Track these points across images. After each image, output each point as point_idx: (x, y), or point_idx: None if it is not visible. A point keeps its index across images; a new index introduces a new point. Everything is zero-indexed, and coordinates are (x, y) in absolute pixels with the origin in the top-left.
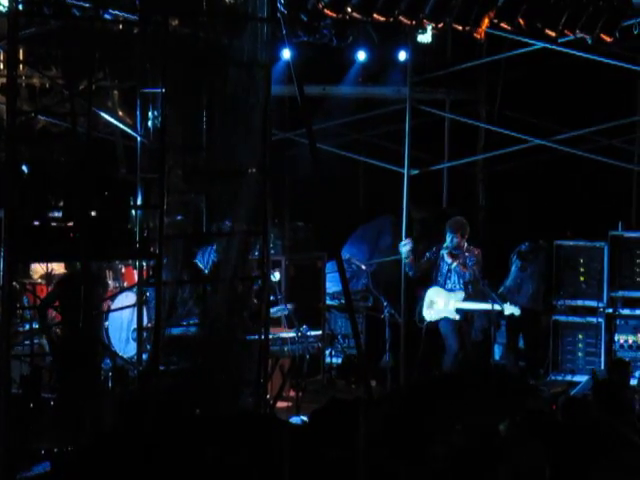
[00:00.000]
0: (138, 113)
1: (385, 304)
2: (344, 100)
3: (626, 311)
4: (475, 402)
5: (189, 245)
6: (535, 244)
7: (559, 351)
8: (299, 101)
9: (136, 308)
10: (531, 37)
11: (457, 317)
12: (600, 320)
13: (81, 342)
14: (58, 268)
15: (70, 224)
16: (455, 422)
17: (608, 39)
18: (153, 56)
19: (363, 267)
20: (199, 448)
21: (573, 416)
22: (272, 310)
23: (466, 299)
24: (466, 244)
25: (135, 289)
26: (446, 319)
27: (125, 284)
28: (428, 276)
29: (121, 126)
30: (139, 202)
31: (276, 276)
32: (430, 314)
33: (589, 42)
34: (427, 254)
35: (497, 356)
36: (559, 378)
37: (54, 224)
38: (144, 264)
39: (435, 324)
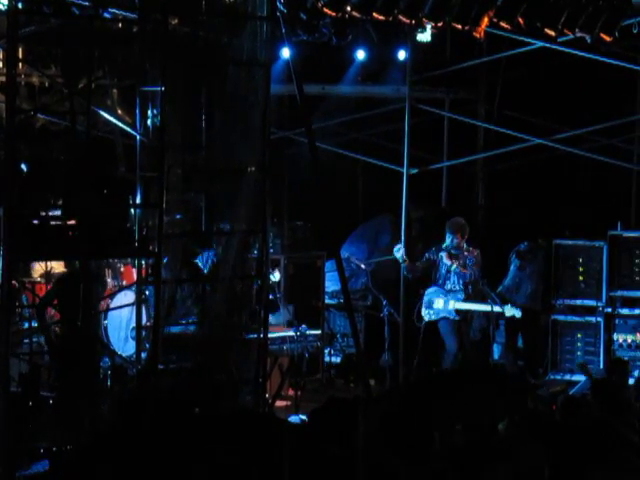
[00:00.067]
0: (137, 111)
1: (384, 303)
2: (343, 99)
3: (625, 310)
4: (475, 401)
5: (188, 244)
6: (534, 243)
7: (558, 350)
8: (298, 100)
9: (135, 307)
10: (531, 36)
11: (456, 317)
12: (599, 319)
13: (80, 341)
14: (57, 266)
15: (69, 223)
16: (455, 421)
17: (608, 38)
18: (152, 55)
19: (362, 266)
20: (198, 447)
21: (572, 416)
22: (272, 317)
23: (466, 300)
24: (465, 245)
25: (134, 288)
26: (445, 319)
27: (124, 283)
28: (427, 276)
29: (120, 124)
30: (138, 201)
31: (275, 275)
32: (429, 314)
33: (589, 41)
34: (426, 254)
35: (496, 355)
36: (558, 377)
37: (53, 222)
38: (143, 263)
39: (433, 324)
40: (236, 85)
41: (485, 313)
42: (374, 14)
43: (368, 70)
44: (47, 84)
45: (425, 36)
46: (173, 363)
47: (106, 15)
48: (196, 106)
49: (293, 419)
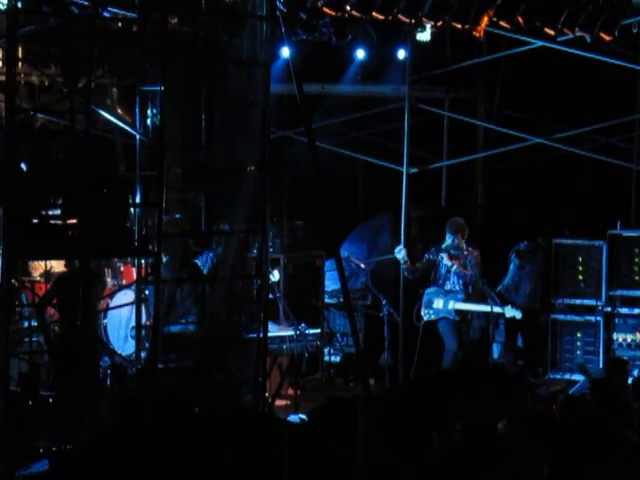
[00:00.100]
0: (137, 111)
1: (384, 302)
2: (343, 98)
3: (624, 310)
4: (474, 401)
5: (188, 243)
6: (534, 243)
7: (557, 350)
8: (298, 99)
9: (135, 306)
10: (530, 36)
11: (456, 318)
12: (599, 319)
13: (80, 340)
14: (57, 266)
15: (69, 222)
16: (454, 421)
17: (607, 38)
18: (152, 54)
19: (362, 265)
20: (197, 446)
21: (572, 415)
22: (274, 330)
23: (466, 300)
24: (465, 245)
25: (134, 287)
26: (445, 319)
27: (124, 282)
28: (427, 276)
29: (120, 124)
30: (138, 200)
31: (275, 275)
32: (428, 314)
33: (588, 41)
34: (426, 255)
35: (496, 355)
36: (558, 377)
37: (53, 222)
38: (143, 262)
39: (433, 323)
40: (236, 84)
41: (485, 313)
42: (374, 13)
43: (368, 69)
44: (47, 83)
45: (425, 35)
46: (173, 362)
47: (106, 14)
48: (196, 106)
49: (293, 418)
